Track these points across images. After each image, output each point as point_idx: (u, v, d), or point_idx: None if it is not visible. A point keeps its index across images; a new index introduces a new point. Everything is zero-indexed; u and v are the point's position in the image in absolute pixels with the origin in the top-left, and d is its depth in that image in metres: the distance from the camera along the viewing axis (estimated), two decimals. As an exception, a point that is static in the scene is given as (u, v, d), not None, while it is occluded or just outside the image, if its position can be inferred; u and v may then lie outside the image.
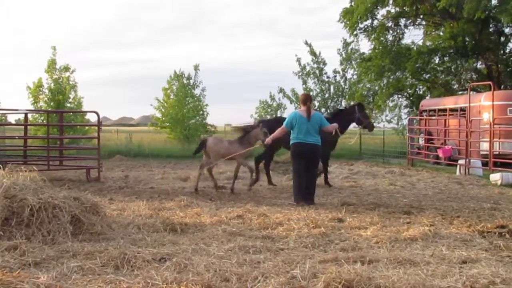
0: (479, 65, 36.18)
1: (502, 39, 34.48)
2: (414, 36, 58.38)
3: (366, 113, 13.18)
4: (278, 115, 37.85)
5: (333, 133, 12.55)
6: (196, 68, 34.84)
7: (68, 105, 30.71)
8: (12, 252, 6.56)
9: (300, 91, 33.71)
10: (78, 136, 26.33)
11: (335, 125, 12.38)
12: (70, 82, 30.93)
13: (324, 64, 35.93)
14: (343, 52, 36.60)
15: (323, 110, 35.59)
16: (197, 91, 34.79)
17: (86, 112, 28.51)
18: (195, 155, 15.71)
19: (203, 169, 14.00)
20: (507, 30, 33.88)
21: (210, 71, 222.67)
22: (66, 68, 30.90)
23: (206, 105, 34.80)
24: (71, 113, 29.36)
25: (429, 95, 36.65)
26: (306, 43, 36.00)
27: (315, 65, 35.96)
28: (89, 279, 5.74)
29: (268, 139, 12.59)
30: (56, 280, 5.67)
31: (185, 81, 34.37)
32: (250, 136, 13.61)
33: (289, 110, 37.15)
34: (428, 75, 36.44)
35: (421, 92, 38.25)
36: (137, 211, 10.09)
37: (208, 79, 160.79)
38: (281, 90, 36.82)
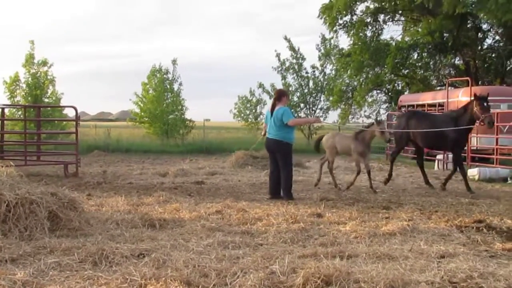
0: (457, 61, 36.59)
1: (480, 35, 34.84)
2: (393, 31, 59.12)
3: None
4: (258, 110, 37.95)
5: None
6: (174, 62, 34.72)
7: (46, 100, 30.46)
8: (-12, 248, 6.47)
9: (280, 86, 33.73)
10: (56, 131, 26.11)
11: (307, 119, 12.38)
12: (48, 77, 30.68)
13: (303, 59, 35.98)
14: (321, 48, 36.68)
15: (301, 105, 35.69)
16: (175, 86, 34.70)
17: (64, 107, 28.27)
18: (317, 152, 15.32)
19: (322, 165, 13.92)
20: (484, 26, 34.27)
21: (190, 66, 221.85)
22: (44, 63, 30.62)
23: (183, 99, 34.72)
24: (49, 108, 29.08)
25: (407, 91, 36.92)
26: (286, 38, 36.04)
27: (294, 61, 35.98)
28: (66, 275, 5.68)
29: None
30: (33, 276, 5.60)
31: (164, 76, 34.21)
32: (366, 132, 13.22)
33: (269, 106, 37.16)
34: (407, 71, 36.76)
35: (399, 88, 38.55)
36: (116, 207, 10.01)
37: (188, 74, 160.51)
38: (261, 85, 36.87)
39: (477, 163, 18.04)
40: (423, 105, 25.47)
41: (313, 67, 36.19)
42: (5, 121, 19.89)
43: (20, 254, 6.37)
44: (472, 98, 13.13)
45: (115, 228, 8.09)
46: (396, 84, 38.79)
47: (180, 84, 34.66)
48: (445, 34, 33.55)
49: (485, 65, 35.17)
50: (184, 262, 5.99)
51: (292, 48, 35.89)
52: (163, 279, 5.32)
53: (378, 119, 13.80)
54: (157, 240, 7.32)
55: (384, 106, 38.88)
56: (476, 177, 15.78)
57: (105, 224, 8.33)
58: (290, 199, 11.41)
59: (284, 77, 36.01)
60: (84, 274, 5.67)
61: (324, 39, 36.65)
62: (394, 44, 35.15)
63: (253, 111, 38.42)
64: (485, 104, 12.71)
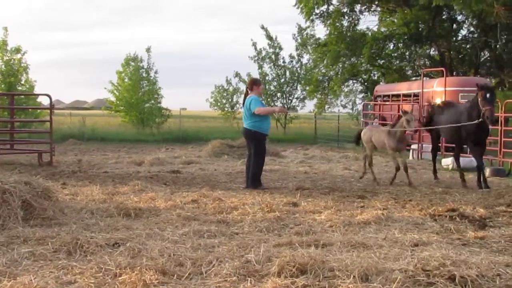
0: (432, 51, 36.88)
1: (455, 26, 35.12)
2: (369, 22, 59.24)
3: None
4: (234, 99, 37.91)
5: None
6: (148, 50, 34.46)
7: (20, 87, 30.10)
8: (-39, 238, 6.40)
9: (256, 76, 33.70)
10: (30, 119, 25.84)
11: (271, 108, 12.21)
12: (22, 64, 30.31)
13: (280, 49, 35.94)
14: (298, 37, 36.66)
15: (279, 94, 35.71)
16: (151, 75, 34.47)
17: (38, 95, 28.04)
18: (356, 145, 15.00)
19: (365, 159, 13.35)
20: (459, 18, 34.53)
21: (166, 54, 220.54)
22: (18, 50, 30.24)
23: (160, 88, 34.54)
24: (23, 96, 28.76)
25: (383, 81, 37.12)
26: (263, 27, 35.97)
27: (271, 50, 35.94)
28: (40, 265, 5.64)
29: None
30: (7, 266, 5.55)
31: (139, 64, 33.97)
32: (397, 125, 12.52)
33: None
34: (383, 61, 36.94)
35: (375, 78, 38.74)
36: (91, 196, 9.95)
37: (164, 63, 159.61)
38: (237, 75, 36.81)
39: (451, 153, 18.20)
40: (398, 95, 25.63)
41: (290, 56, 36.22)
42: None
43: (-7, 244, 6.31)
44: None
45: (90, 218, 8.05)
46: (372, 74, 38.98)
47: (156, 72, 34.50)
48: (420, 25, 33.75)
49: (460, 56, 35.50)
50: (159, 251, 5.97)
51: (269, 37, 35.87)
52: (138, 268, 5.30)
53: (404, 110, 13.14)
54: (132, 229, 7.29)
55: (360, 96, 39.06)
56: (450, 167, 15.94)
57: (80, 213, 8.28)
58: (255, 188, 11.42)
59: (260, 67, 36.01)
60: (58, 263, 5.63)
61: (300, 29, 36.66)
62: (370, 34, 35.27)
63: (230, 100, 38.35)
64: (487, 95, 11.55)
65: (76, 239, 6.34)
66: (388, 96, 26.74)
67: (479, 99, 11.65)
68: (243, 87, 36.71)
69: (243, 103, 11.99)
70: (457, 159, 13.47)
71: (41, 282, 4.99)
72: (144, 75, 33.94)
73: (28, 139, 20.57)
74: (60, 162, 16.69)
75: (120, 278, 5.17)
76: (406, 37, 34.42)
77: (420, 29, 33.70)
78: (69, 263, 5.65)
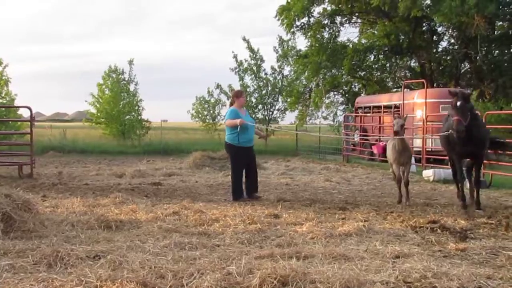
0: (413, 63, 37.21)
1: (435, 37, 35.44)
2: (350, 34, 59.79)
3: None
4: (216, 111, 37.85)
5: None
6: (130, 63, 34.40)
7: (0, 100, 29.87)
8: None
9: (237, 87, 33.67)
10: (10, 131, 25.62)
11: (234, 121, 11.79)
12: (3, 77, 30.13)
13: (262, 60, 35.96)
14: (279, 49, 36.70)
15: (259, 106, 35.72)
16: (131, 87, 34.42)
17: (19, 107, 27.80)
18: None
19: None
20: (439, 29, 34.87)
21: (147, 66, 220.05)
22: (-1, 62, 30.04)
23: (141, 100, 34.46)
24: (3, 108, 28.56)
25: (364, 92, 37.35)
26: (244, 39, 35.97)
27: (252, 62, 35.97)
28: (20, 278, 5.60)
29: None
30: (-14, 279, 5.50)
31: (120, 76, 33.91)
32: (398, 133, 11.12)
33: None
34: (364, 73, 37.23)
35: (356, 89, 38.98)
36: (71, 208, 9.89)
37: (145, 75, 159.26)
38: (218, 86, 36.74)
39: (432, 164, 18.33)
40: (379, 107, 25.80)
41: (272, 68, 36.26)
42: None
43: (-28, 257, 6.25)
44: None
45: (70, 230, 8.01)
46: (353, 86, 39.21)
47: (136, 84, 34.43)
48: (401, 37, 34.06)
49: (440, 68, 35.81)
50: (140, 264, 5.95)
51: (251, 49, 35.87)
52: (119, 281, 5.27)
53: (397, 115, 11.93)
54: (113, 241, 7.26)
55: (341, 107, 39.21)
56: (431, 178, 16.01)
57: (60, 226, 8.23)
58: (235, 200, 11.42)
59: (242, 78, 36.01)
60: (38, 276, 5.59)
61: (282, 41, 36.68)
62: (351, 46, 35.53)
63: (211, 112, 38.31)
64: (458, 103, 10.05)
65: (56, 251, 6.29)
66: (369, 107, 26.90)
67: (450, 108, 10.58)
68: (224, 98, 36.79)
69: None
70: (457, 174, 11.19)
71: (21, 295, 4.95)
72: (123, 87, 33.83)
73: (8, 151, 20.41)
74: (41, 174, 16.57)
75: (101, 291, 5.14)
76: (386, 48, 34.75)
77: (400, 40, 34.01)
78: (50, 275, 5.60)
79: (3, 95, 30.26)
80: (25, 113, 31.36)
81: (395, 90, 34.65)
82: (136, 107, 34.11)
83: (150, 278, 5.49)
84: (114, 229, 8.21)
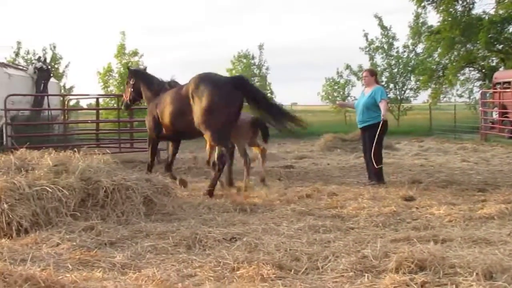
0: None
1: None
2: (485, 5, 56.47)
3: None
4: (346, 92, 37.48)
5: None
6: (260, 47, 35.03)
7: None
8: (89, 232, 6.75)
9: (367, 67, 33.06)
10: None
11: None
12: (140, 66, 31.47)
13: (394, 38, 35.06)
14: (413, 25, 35.51)
15: (391, 85, 35.00)
16: (262, 71, 34.95)
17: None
18: None
19: None
20: None
21: (275, 50, 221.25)
22: (135, 53, 31.45)
23: (270, 83, 34.94)
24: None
25: (502, 67, 35.49)
26: (376, 16, 35.19)
27: (384, 40, 35.14)
28: (162, 258, 5.86)
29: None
30: (131, 259, 5.81)
31: (250, 61, 34.61)
32: None
33: (358, 87, 36.66)
34: (502, 46, 35.20)
35: (494, 64, 37.04)
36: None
37: (273, 59, 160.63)
38: (348, 67, 36.30)
39: None
40: (520, 82, 24.44)
41: (404, 46, 35.27)
42: (100, 111, 20.57)
43: (118, 238, 6.62)
44: None
45: (207, 213, 8.24)
46: (490, 61, 37.32)
47: (267, 68, 34.85)
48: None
49: None
50: (275, 246, 6.04)
51: (382, 26, 35.06)
52: (255, 263, 5.38)
53: None
54: (248, 224, 7.41)
55: (478, 84, 37.49)
56: None
57: (198, 209, 8.50)
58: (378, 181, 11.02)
59: (372, 58, 35.36)
60: (178, 257, 5.83)
61: (417, 16, 35.35)
62: (487, 18, 33.78)
63: (341, 93, 37.92)
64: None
65: (195, 233, 6.54)
66: (509, 83, 25.50)
67: None
68: (354, 79, 36.31)
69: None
70: None
71: (163, 275, 5.18)
72: (255, 71, 34.37)
73: (147, 137, 21.30)
74: (177, 158, 17.14)
75: (238, 272, 5.28)
76: (527, 17, 32.68)
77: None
78: (189, 256, 5.83)
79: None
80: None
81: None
82: (266, 91, 34.55)
83: (286, 260, 5.56)
84: (249, 212, 8.37)
